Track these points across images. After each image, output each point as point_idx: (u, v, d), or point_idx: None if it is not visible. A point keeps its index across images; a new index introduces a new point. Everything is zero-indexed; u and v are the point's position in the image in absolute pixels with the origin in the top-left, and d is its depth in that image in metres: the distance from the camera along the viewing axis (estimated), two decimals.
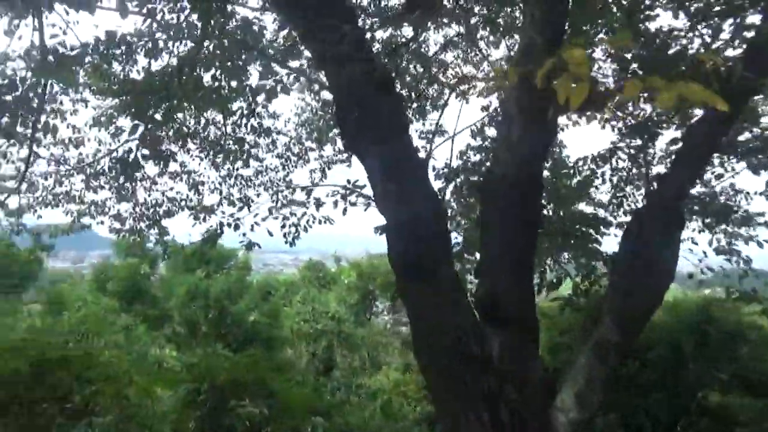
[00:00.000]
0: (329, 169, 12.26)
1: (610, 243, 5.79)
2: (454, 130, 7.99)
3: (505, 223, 5.00)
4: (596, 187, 6.64)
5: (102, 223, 10.54)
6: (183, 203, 11.06)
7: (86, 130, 9.82)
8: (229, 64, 7.69)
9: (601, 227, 5.99)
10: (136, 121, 9.44)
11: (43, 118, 8.08)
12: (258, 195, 9.58)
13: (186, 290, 14.44)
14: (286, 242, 7.27)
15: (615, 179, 6.50)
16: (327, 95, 10.81)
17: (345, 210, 5.43)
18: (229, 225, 6.49)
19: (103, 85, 9.00)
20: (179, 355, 12.55)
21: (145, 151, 10.66)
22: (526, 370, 4.84)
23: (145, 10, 5.45)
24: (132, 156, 6.65)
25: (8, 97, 5.99)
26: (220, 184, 11.13)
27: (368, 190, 5.57)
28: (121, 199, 10.57)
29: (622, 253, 4.41)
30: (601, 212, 6.62)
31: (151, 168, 10.83)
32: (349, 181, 5.35)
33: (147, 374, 8.50)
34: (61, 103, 8.64)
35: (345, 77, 4.71)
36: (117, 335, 11.37)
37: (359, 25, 5.21)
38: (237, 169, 10.90)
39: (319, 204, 5.63)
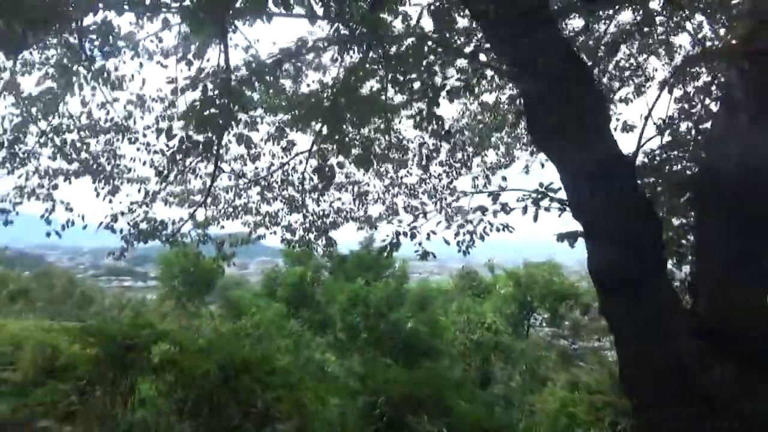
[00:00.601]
0: (493, 175, 11.82)
1: None
2: (644, 125, 7.16)
3: (728, 226, 4.23)
4: None
5: (275, 233, 11.10)
6: (348, 214, 11.33)
7: (261, 145, 10.39)
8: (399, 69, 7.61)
9: None
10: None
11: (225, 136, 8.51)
12: (422, 204, 9.42)
13: (347, 297, 14.80)
14: (459, 251, 6.94)
15: None
16: (487, 98, 10.42)
17: (536, 216, 4.95)
18: (405, 234, 6.26)
19: (274, 101, 9.41)
20: (343, 362, 12.77)
21: (313, 162, 11.12)
22: (762, 410, 4.04)
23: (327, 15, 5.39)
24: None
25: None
26: (384, 193, 11.25)
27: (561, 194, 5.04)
28: (292, 210, 11.07)
29: None
30: None
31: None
32: (541, 185, 4.87)
33: (318, 381, 8.62)
34: (247, 118, 9.15)
35: (543, 73, 4.28)
36: (287, 340, 11.89)
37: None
38: (401, 178, 10.91)
39: (506, 210, 5.19)
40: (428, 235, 6.37)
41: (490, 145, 11.21)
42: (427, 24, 7.30)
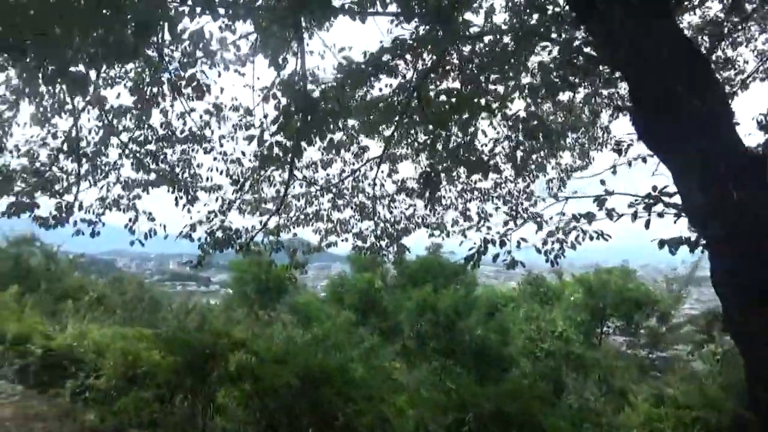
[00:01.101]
0: (568, 178, 11.31)
1: None
2: None
3: None
4: None
5: (346, 240, 10.98)
6: (420, 220, 11.09)
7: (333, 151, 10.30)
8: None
9: None
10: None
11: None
12: (512, 210, 9.08)
13: (415, 304, 14.54)
14: (547, 260, 6.55)
15: None
16: (562, 97, 9.95)
17: (648, 223, 4.55)
18: (493, 242, 5.93)
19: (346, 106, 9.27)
20: (412, 371, 12.49)
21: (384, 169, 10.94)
22: None
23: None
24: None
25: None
26: (456, 199, 10.95)
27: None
28: (363, 217, 10.93)
29: None
30: None
31: (390, 186, 11.08)
32: (654, 188, 4.46)
33: (394, 392, 8.37)
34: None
35: (664, 67, 3.90)
36: (357, 348, 11.74)
37: None
38: (475, 183, 10.57)
39: (611, 216, 4.80)
40: (518, 243, 6.03)
41: (566, 147, 10.74)
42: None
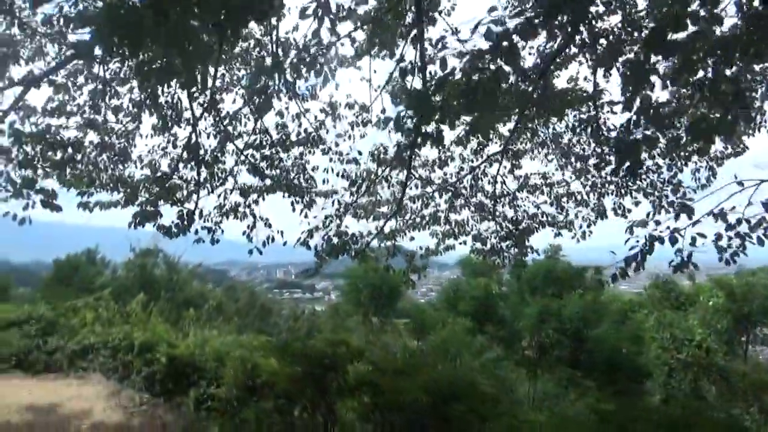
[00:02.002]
0: (719, 166, 10.00)
1: None
2: None
3: None
4: None
5: (464, 243, 10.28)
6: (545, 219, 10.16)
7: (452, 148, 9.67)
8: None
9: None
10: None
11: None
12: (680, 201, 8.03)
13: (537, 311, 13.51)
14: (721, 260, 5.48)
15: None
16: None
17: None
18: (660, 240, 4.99)
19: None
20: (536, 383, 11.54)
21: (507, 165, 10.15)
22: None
23: None
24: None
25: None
26: (587, 194, 9.92)
27: None
28: (483, 218, 10.18)
29: None
30: None
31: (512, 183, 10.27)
32: None
33: (530, 410, 7.53)
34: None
35: None
36: (476, 358, 11.01)
37: None
38: (611, 174, 9.51)
39: None
40: (693, 239, 5.03)
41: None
42: None
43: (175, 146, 8.27)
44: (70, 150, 7.18)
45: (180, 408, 8.91)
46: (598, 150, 9.39)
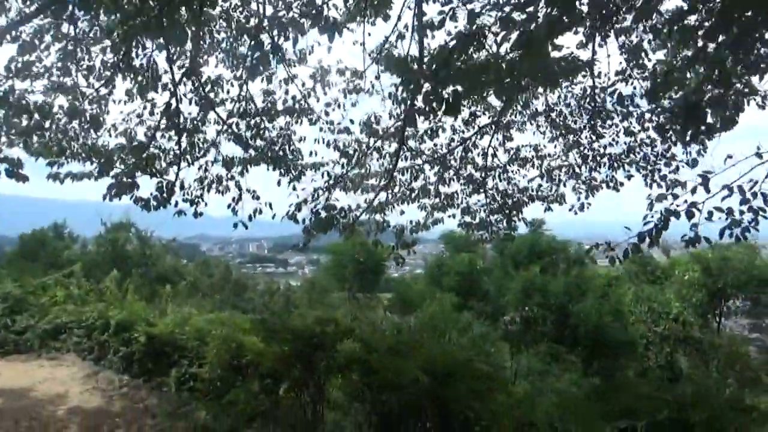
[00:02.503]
0: (709, 139, 9.86)
1: None
2: None
3: None
4: None
5: (453, 216, 10.02)
6: (536, 192, 9.95)
7: (443, 119, 9.32)
8: None
9: None
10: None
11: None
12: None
13: (521, 286, 13.39)
14: (731, 235, 5.28)
15: None
16: None
17: None
18: (676, 215, 4.77)
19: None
20: (520, 359, 11.47)
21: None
22: None
23: None
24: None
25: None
26: (580, 167, 9.70)
27: None
28: (473, 191, 9.91)
29: None
30: None
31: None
32: None
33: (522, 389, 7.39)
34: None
35: None
36: (463, 334, 10.84)
37: None
38: (605, 147, 9.32)
39: None
40: (710, 213, 4.82)
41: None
42: None
43: (152, 113, 7.74)
44: (36, 116, 6.56)
45: (161, 389, 8.54)
46: (592, 122, 9.18)
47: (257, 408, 8.13)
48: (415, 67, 6.54)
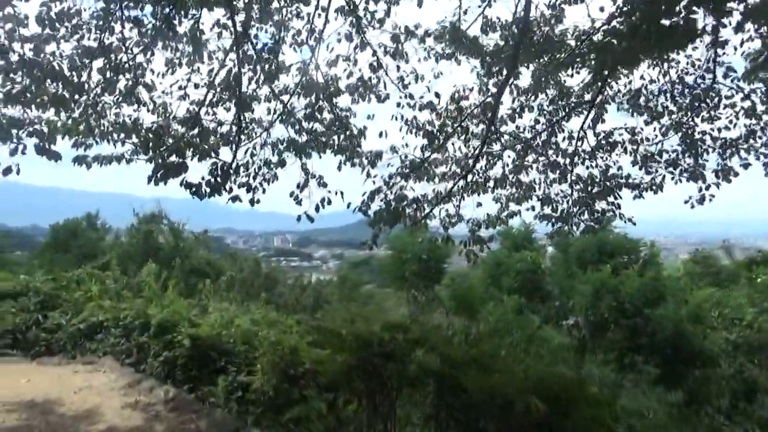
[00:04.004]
0: None
1: None
2: None
3: None
4: None
5: (533, 208, 8.86)
6: (625, 180, 8.73)
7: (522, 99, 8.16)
8: None
9: None
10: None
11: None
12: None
13: (593, 288, 12.10)
14: None
15: None
16: None
17: None
18: None
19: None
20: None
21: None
22: None
23: None
24: None
25: None
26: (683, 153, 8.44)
27: None
28: (556, 179, 8.74)
29: None
30: None
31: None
32: None
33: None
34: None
35: None
36: (536, 343, 9.66)
37: None
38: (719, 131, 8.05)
39: None
40: None
41: None
42: None
43: (197, 86, 6.72)
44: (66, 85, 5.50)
45: (208, 400, 7.56)
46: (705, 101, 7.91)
47: (326, 427, 7.12)
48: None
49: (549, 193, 8.70)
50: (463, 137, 7.17)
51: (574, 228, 8.69)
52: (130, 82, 6.39)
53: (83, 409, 6.17)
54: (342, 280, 39.83)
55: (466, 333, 7.44)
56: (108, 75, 5.87)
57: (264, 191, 6.00)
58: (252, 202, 6.00)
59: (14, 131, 5.16)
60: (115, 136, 6.58)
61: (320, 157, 7.16)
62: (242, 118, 5.98)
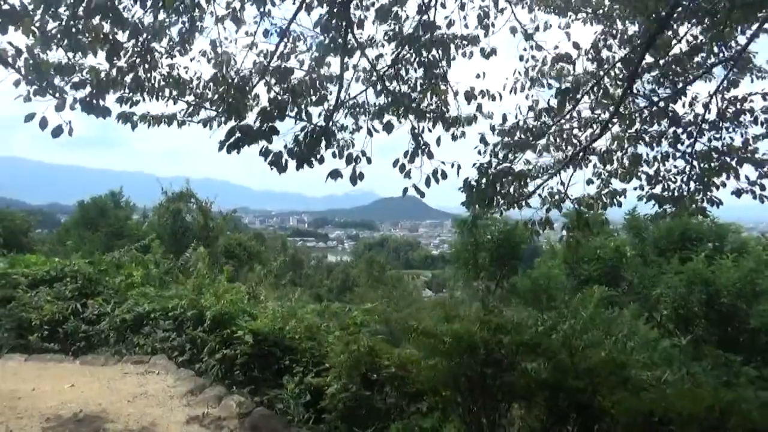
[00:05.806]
0: None
1: None
2: None
3: None
4: None
5: (641, 187, 7.62)
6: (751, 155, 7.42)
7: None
8: None
9: None
10: None
11: None
12: None
13: (685, 278, 10.82)
14: None
15: None
16: None
17: None
18: None
19: None
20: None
21: None
22: None
23: None
24: None
25: None
26: None
27: None
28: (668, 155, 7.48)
29: None
30: None
31: None
32: None
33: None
34: None
35: None
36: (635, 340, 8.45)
37: None
38: None
39: None
40: None
41: None
42: None
43: (266, 34, 5.58)
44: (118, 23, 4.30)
45: (275, 407, 6.53)
46: None
47: None
48: None
49: (659, 170, 7.46)
50: (598, 95, 5.88)
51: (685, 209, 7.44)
52: (187, 26, 5.28)
53: (141, 426, 5.09)
54: (369, 263, 38.97)
55: (565, 332, 6.21)
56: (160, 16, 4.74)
57: (369, 161, 4.78)
58: (354, 178, 4.80)
59: (58, 81, 4.05)
60: (166, 92, 5.53)
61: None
62: (344, 69, 4.77)
